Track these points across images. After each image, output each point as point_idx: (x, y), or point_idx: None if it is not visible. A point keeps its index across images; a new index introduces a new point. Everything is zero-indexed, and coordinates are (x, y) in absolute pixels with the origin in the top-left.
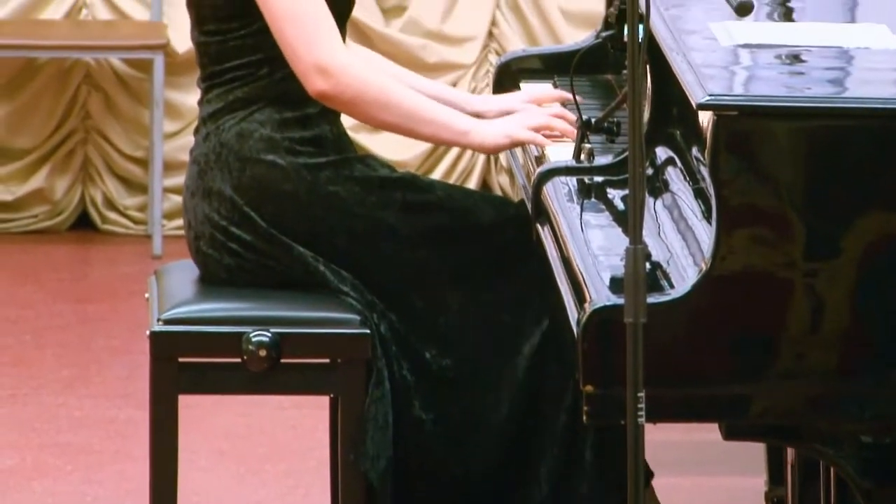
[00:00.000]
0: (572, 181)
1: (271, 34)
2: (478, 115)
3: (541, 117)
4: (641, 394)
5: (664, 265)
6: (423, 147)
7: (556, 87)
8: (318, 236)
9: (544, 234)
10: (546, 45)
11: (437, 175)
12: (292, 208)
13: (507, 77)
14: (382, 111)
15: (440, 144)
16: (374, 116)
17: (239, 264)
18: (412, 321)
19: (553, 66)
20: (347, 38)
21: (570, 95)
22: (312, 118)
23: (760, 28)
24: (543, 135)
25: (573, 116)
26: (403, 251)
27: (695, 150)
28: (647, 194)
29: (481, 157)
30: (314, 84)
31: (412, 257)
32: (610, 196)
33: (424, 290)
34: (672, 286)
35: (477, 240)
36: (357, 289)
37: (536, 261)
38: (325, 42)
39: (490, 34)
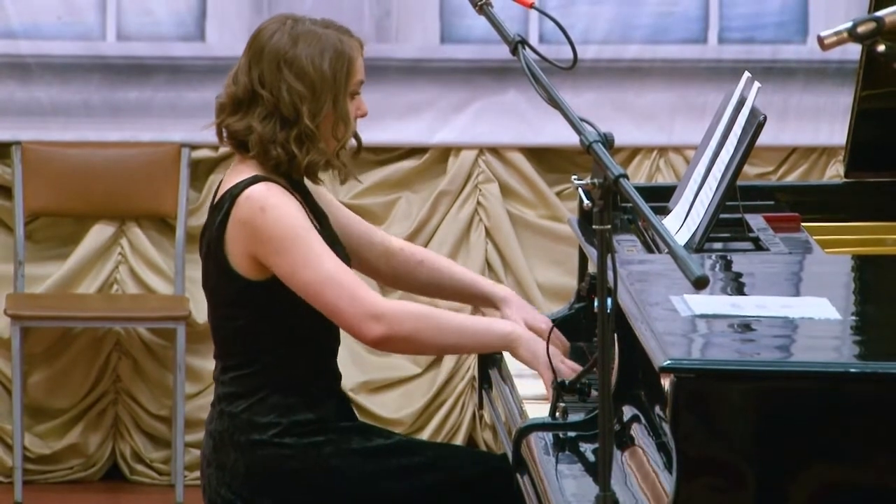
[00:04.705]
0: (549, 436)
1: (267, 323)
2: (497, 301)
3: (545, 372)
4: None
5: None
6: (416, 406)
7: None
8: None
9: (524, 482)
10: None
11: (427, 431)
12: (297, 485)
13: None
14: (437, 337)
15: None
16: (431, 344)
17: None
18: None
19: None
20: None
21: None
22: (316, 397)
23: (715, 300)
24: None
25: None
26: None
27: (657, 409)
28: (615, 447)
29: (468, 416)
30: (370, 331)
31: None
32: (582, 449)
33: None
34: None
35: (467, 494)
36: None
37: None
38: (365, 293)
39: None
